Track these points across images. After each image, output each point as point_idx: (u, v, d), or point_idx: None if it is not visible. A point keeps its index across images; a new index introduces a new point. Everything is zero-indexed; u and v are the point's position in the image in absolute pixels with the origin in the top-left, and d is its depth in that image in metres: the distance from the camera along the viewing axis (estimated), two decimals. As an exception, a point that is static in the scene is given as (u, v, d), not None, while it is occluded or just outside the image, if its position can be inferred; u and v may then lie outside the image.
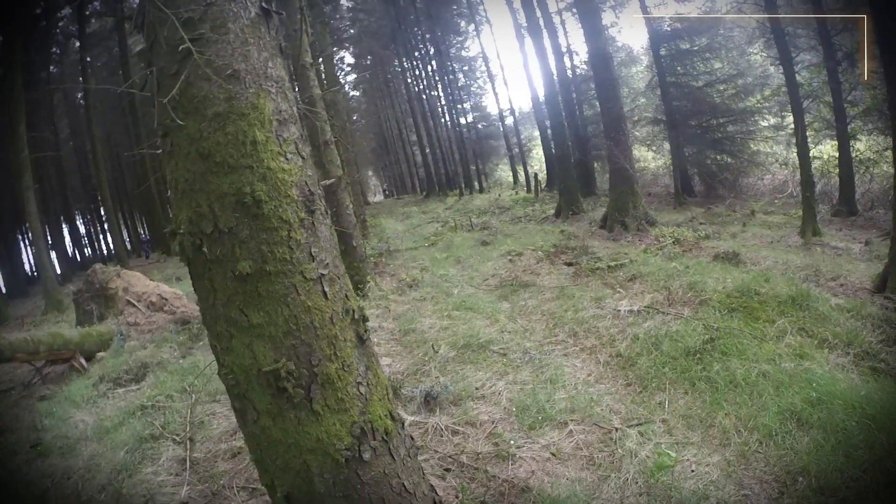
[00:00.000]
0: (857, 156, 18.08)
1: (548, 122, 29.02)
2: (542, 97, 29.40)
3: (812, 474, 3.96)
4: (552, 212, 21.42)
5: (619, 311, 7.92)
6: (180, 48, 2.66)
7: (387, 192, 70.91)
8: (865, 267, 9.66)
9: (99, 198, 42.26)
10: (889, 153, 17.24)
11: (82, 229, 52.12)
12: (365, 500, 2.93)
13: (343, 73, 50.00)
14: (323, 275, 2.88)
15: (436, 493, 3.46)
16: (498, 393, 5.93)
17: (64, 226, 44.46)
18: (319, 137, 11.64)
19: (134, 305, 12.20)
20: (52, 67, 36.12)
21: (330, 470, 2.85)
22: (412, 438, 3.39)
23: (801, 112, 14.56)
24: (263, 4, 2.94)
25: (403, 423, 3.31)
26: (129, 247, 42.51)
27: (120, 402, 7.65)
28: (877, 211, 16.60)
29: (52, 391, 8.67)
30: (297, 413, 2.80)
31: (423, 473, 3.40)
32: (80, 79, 33.76)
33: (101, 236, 52.83)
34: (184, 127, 2.71)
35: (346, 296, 3.04)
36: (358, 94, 58.66)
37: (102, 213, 45.53)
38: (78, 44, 33.52)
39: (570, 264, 11.88)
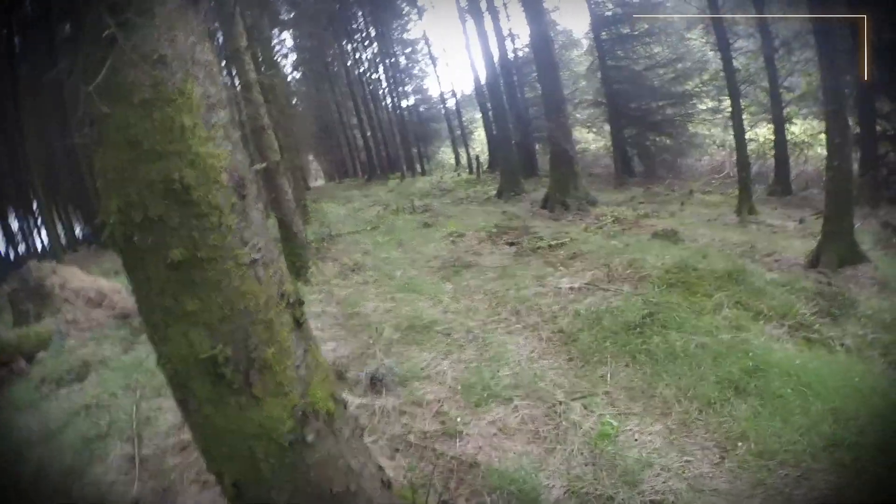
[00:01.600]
0: (791, 138, 18.79)
1: (489, 105, 29.09)
2: (483, 80, 29.44)
3: (751, 439, 4.10)
4: (494, 193, 21.41)
5: (561, 288, 8.01)
6: (105, 34, 2.54)
7: (328, 177, 70.30)
8: (800, 243, 9.96)
9: (31, 192, 41.10)
10: (823, 136, 17.89)
11: (15, 226, 50.52)
12: (312, 483, 2.91)
13: (283, 56, 49.37)
14: (256, 259, 2.82)
15: (383, 472, 3.45)
16: (443, 372, 5.94)
17: None
18: (256, 122, 11.48)
19: (72, 303, 11.64)
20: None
21: (275, 454, 2.82)
22: (356, 420, 3.38)
23: (737, 96, 14.92)
24: None
25: (346, 405, 3.28)
26: (63, 242, 41.36)
27: (64, 402, 7.39)
28: (810, 191, 17.13)
29: None
30: (237, 399, 2.75)
31: (370, 454, 3.38)
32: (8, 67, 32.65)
33: (35, 232, 51.36)
34: (111, 115, 2.60)
35: (281, 280, 2.99)
36: (298, 76, 57.91)
37: (35, 208, 44.34)
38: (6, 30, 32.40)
39: (511, 244, 11.94)
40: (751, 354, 5.16)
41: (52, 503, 5.15)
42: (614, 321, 6.38)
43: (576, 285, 7.98)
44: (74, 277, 12.39)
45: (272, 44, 42.54)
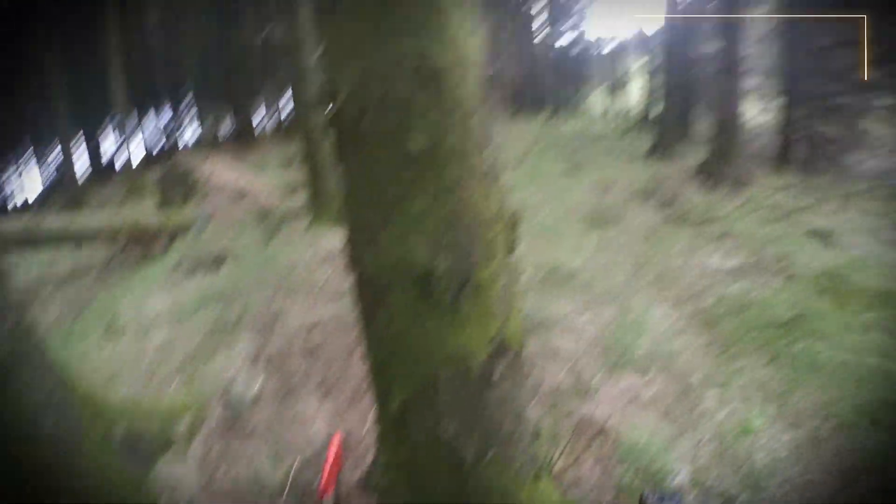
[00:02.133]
0: None
1: (655, 53, 28.00)
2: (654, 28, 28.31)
3: (876, 473, 4.03)
4: (647, 148, 20.91)
5: (708, 266, 7.92)
6: None
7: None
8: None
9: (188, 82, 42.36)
10: None
11: (171, 113, 52.49)
12: (485, 421, 2.76)
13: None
14: (490, 170, 2.58)
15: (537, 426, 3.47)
16: (581, 328, 6.05)
17: (154, 111, 44.77)
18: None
19: (217, 193, 12.54)
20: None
21: (459, 383, 2.63)
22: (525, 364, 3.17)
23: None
24: None
25: (523, 346, 3.01)
26: (214, 135, 42.88)
27: (197, 287, 7.83)
28: None
29: (132, 272, 8.91)
30: (440, 318, 2.55)
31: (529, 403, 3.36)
32: None
33: (183, 125, 53.28)
34: None
35: (503, 197, 2.75)
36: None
37: (187, 100, 45.86)
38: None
39: (661, 206, 11.80)
40: (893, 383, 5.00)
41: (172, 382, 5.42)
42: (760, 314, 6.30)
43: (724, 266, 7.86)
44: (222, 171, 13.25)
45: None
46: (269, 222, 11.10)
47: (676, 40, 24.96)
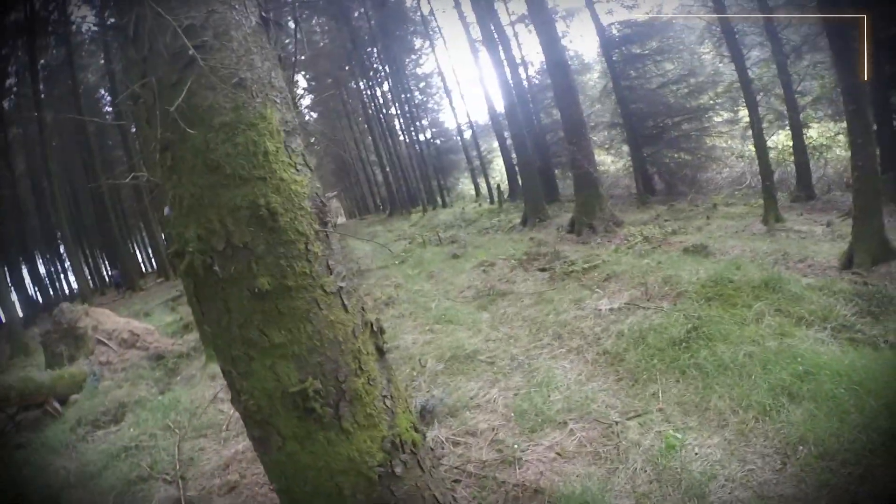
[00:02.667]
0: (810, 143, 18.75)
1: (507, 133, 29.46)
2: (500, 109, 29.96)
3: (811, 442, 4.09)
4: (518, 221, 21.47)
5: (600, 310, 8.05)
6: (182, 56, 2.63)
7: (348, 214, 70.84)
8: (829, 247, 10.00)
9: (59, 235, 41.69)
10: (841, 138, 18.05)
11: (42, 270, 51.23)
12: None
13: (298, 97, 49.85)
14: (342, 287, 2.84)
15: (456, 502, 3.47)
16: (493, 400, 5.99)
17: (24, 267, 43.56)
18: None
19: (105, 344, 11.91)
20: (5, 103, 35.65)
21: (363, 490, 2.77)
22: (432, 449, 3.40)
23: (755, 106, 14.85)
24: (263, 13, 2.92)
25: (425, 435, 3.23)
26: (91, 284, 41.84)
27: (101, 444, 7.47)
28: (833, 193, 17.11)
29: (28, 439, 8.42)
30: (326, 434, 2.72)
31: (447, 483, 3.38)
32: (35, 113, 33.30)
33: (62, 276, 51.98)
34: (188, 138, 2.64)
35: (363, 308, 3.00)
36: (315, 116, 58.73)
37: (62, 251, 44.92)
38: (30, 77, 33.19)
39: (544, 269, 11.99)
40: (799, 359, 5.16)
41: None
42: (659, 338, 6.41)
43: (615, 306, 8.02)
44: (107, 319, 12.62)
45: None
46: (165, 366, 10.88)
47: (523, 115, 26.28)
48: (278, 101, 2.83)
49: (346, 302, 2.86)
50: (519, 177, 26.16)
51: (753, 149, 15.70)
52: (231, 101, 2.66)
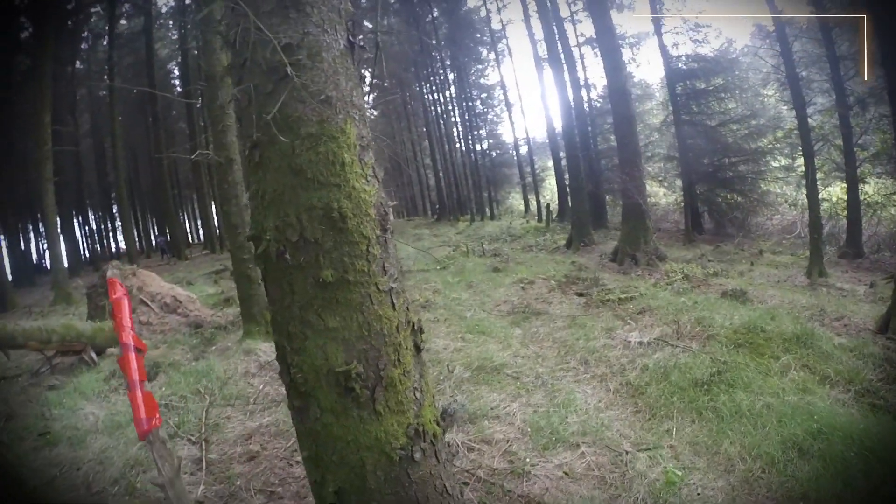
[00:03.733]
0: (865, 198, 18.44)
1: (562, 154, 29.43)
2: (558, 128, 29.96)
3: (812, 500, 4.17)
4: (563, 242, 21.64)
5: (630, 342, 8.15)
6: (278, 69, 2.90)
7: (396, 213, 70.62)
8: (869, 308, 9.88)
9: (114, 195, 42.57)
10: None
11: (94, 225, 52.23)
12: (411, 499, 3.11)
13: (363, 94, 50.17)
14: (392, 288, 3.11)
15: (464, 499, 3.67)
16: (512, 414, 6.14)
17: (76, 220, 44.51)
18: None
19: (147, 305, 12.24)
20: (78, 63, 36.56)
21: (384, 467, 3.04)
22: (449, 445, 3.62)
23: (811, 155, 14.80)
24: (351, 38, 3.17)
25: (445, 430, 3.52)
26: (138, 247, 42.62)
27: None
28: (882, 254, 17.01)
29: (62, 382, 8.59)
30: (360, 412, 3.00)
31: (457, 479, 3.62)
32: (106, 77, 34.18)
33: (111, 234, 52.97)
34: (277, 142, 2.92)
35: (408, 308, 3.28)
36: (376, 113, 59.15)
37: (115, 210, 45.82)
38: (106, 41, 34.03)
39: (581, 294, 12.13)
40: (816, 417, 5.18)
41: (112, 491, 5.23)
42: (682, 377, 6.50)
43: (644, 340, 8.10)
44: (152, 282, 12.96)
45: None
46: (202, 335, 11.01)
47: (580, 138, 26.32)
48: (357, 118, 3.09)
49: (394, 301, 3.12)
50: (569, 198, 26.18)
51: (806, 198, 15.50)
52: (317, 115, 2.94)
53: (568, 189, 27.25)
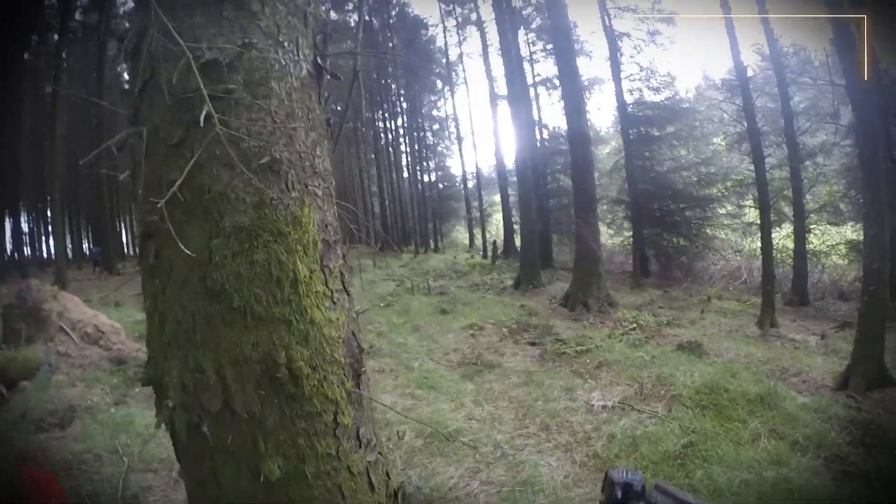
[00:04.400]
0: (811, 248, 19.20)
1: (511, 191, 29.43)
2: (509, 165, 30.09)
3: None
4: (510, 282, 21.17)
5: (592, 405, 7.82)
6: (192, 105, 1.85)
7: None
8: (823, 361, 10.14)
9: (49, 198, 41.01)
10: (842, 247, 18.32)
11: (26, 227, 50.15)
12: None
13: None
14: (370, 462, 2.24)
15: None
16: (474, 494, 5.68)
17: (7, 219, 42.63)
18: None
19: (67, 333, 11.15)
20: (25, 55, 35.32)
21: None
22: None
23: (767, 208, 14.94)
24: (319, 60, 2.19)
25: None
26: (70, 255, 41.25)
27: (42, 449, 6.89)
28: (827, 301, 17.56)
29: None
30: None
31: None
32: (53, 73, 32.92)
33: (44, 238, 51.00)
34: (185, 235, 1.86)
35: (388, 473, 2.44)
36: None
37: (49, 214, 44.25)
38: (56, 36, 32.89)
39: (533, 344, 11.81)
40: (796, 496, 5.08)
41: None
42: (653, 449, 6.19)
43: (608, 403, 7.78)
44: (75, 307, 11.86)
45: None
46: (124, 373, 9.91)
47: (532, 176, 26.24)
48: (320, 192, 2.14)
49: (372, 478, 2.25)
50: (518, 236, 26.02)
51: (751, 245, 15.85)
52: (254, 193, 1.91)
53: (516, 227, 27.12)
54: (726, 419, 6.85)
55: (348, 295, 2.22)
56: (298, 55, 2.08)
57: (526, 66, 30.19)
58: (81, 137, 39.63)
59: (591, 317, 14.58)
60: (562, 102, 20.85)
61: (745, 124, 16.29)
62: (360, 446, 2.17)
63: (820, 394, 8.23)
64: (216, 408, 1.91)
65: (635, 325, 13.00)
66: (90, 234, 47.90)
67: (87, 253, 41.33)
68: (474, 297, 18.85)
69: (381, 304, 17.57)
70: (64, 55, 33.28)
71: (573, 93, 17.97)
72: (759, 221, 16.26)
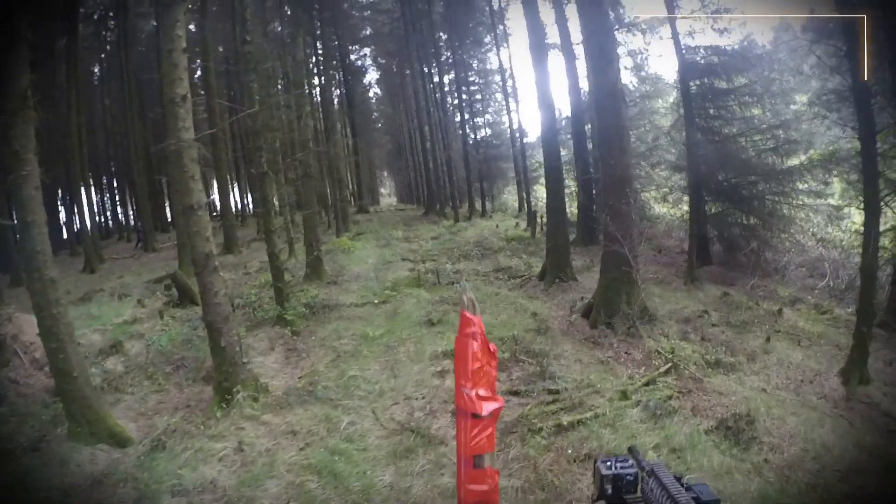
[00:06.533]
0: None
1: (563, 151, 25.09)
2: (558, 123, 25.79)
3: None
4: (538, 269, 17.61)
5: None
6: None
7: (398, 197, 68.51)
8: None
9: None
10: None
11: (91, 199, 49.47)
12: None
13: (364, 72, 52.49)
14: None
15: None
16: None
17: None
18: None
19: (20, 358, 11.04)
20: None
21: None
22: None
23: (877, 197, 10.40)
24: None
25: None
26: (109, 225, 42.23)
27: None
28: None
29: None
30: None
31: None
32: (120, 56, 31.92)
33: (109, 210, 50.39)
34: None
35: None
36: (379, 93, 57.31)
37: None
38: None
39: (517, 393, 8.91)
40: None
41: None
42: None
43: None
44: (31, 329, 11.18)
45: (353, 58, 47.56)
46: (57, 407, 9.28)
47: (575, 141, 22.56)
48: None
49: None
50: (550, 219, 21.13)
51: (839, 235, 11.41)
52: None
53: (548, 210, 22.03)
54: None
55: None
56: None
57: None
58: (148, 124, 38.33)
59: (615, 341, 10.89)
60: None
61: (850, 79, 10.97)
62: None
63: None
64: None
65: (670, 365, 9.52)
66: (136, 208, 46.81)
67: (136, 229, 39.89)
68: (487, 292, 15.49)
69: (376, 301, 15.11)
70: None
71: (598, 30, 13.13)
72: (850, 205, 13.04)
